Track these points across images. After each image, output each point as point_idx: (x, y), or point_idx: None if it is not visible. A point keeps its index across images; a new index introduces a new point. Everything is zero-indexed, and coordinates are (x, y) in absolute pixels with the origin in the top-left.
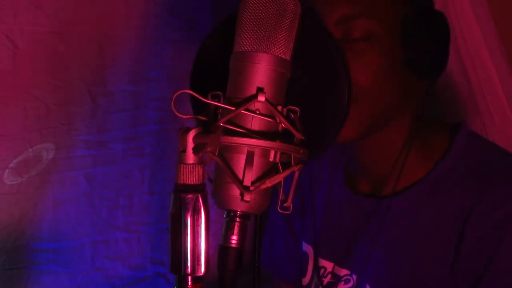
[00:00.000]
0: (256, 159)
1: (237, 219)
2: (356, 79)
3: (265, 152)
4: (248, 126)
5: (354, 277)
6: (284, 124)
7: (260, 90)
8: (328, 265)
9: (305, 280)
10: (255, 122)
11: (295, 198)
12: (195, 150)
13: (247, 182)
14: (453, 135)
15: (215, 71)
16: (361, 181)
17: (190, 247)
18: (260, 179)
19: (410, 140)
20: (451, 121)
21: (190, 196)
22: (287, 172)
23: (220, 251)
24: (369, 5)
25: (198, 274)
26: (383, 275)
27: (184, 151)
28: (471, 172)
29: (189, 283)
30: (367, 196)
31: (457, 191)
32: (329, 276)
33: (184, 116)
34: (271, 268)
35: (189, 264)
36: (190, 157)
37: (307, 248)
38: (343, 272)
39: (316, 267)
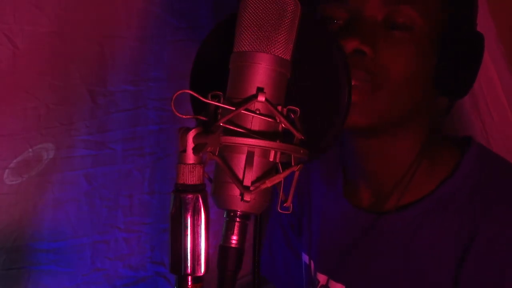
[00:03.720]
0: (256, 159)
1: (237, 219)
2: (388, 66)
3: (265, 152)
4: (248, 126)
5: None
6: (284, 124)
7: (260, 90)
8: (322, 278)
9: None
10: (255, 122)
11: (294, 206)
12: (195, 150)
13: (247, 182)
14: (462, 153)
15: (215, 71)
16: (361, 192)
17: (190, 247)
18: (260, 179)
19: (421, 154)
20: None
21: (190, 196)
22: (287, 172)
23: (220, 251)
24: (421, 1)
25: (198, 274)
26: None
27: (184, 151)
28: (477, 194)
29: (189, 283)
30: (366, 210)
31: (460, 212)
32: None
33: (184, 116)
34: (272, 280)
35: (189, 264)
36: (190, 157)
37: (307, 259)
38: (337, 286)
39: (311, 281)
